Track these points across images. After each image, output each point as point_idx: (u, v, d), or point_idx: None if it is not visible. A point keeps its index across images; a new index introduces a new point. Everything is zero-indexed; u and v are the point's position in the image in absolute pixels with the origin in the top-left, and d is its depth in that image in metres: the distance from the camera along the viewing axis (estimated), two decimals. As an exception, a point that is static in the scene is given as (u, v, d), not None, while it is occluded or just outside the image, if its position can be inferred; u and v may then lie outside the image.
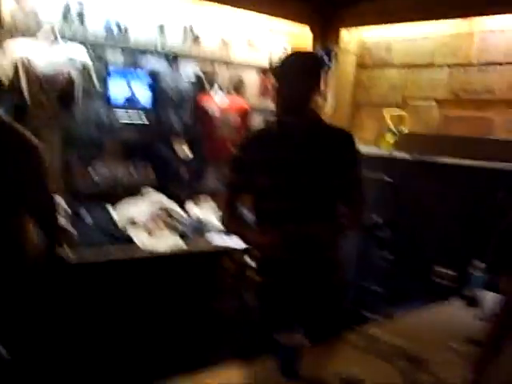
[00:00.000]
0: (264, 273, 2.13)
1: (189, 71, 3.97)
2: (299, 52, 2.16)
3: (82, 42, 3.42)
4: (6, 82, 3.14)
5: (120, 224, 3.48)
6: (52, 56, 3.26)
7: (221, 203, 2.23)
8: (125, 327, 3.12)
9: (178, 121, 3.94)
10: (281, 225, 1.96)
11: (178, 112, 3.93)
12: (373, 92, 4.45)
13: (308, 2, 4.21)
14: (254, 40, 4.30)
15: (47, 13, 3.32)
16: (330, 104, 4.34)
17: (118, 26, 3.59)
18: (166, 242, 3.40)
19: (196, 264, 3.40)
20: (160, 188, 3.81)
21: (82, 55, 3.38)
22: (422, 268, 3.07)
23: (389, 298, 3.55)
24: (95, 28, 3.52)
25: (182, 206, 3.82)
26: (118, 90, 3.61)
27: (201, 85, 4.02)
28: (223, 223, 2.21)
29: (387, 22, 4.04)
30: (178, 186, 3.98)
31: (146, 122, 3.78)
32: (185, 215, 3.71)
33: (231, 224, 2.18)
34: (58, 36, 3.28)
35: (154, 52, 3.78)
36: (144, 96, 3.73)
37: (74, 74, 3.33)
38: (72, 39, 3.38)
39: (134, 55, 3.71)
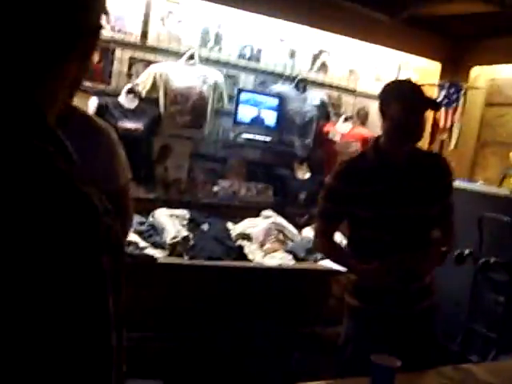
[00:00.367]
0: (361, 297, 2.08)
1: (315, 96, 4.08)
2: (417, 84, 2.18)
3: (216, 62, 3.69)
4: (144, 93, 3.45)
5: (235, 237, 3.62)
6: (188, 73, 3.55)
7: (315, 231, 2.25)
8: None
9: (301, 144, 4.05)
10: (380, 252, 1.93)
11: (300, 135, 4.04)
12: (500, 131, 4.30)
13: (440, 37, 4.20)
14: (381, 73, 4.33)
15: (187, 35, 3.61)
16: (455, 140, 4.26)
17: (251, 50, 3.82)
18: (276, 257, 3.49)
19: (302, 282, 3.45)
20: (277, 208, 3.92)
21: (215, 74, 3.64)
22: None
23: (501, 343, 3.37)
24: (229, 50, 3.77)
25: (297, 227, 3.89)
26: (245, 109, 3.81)
27: (325, 110, 4.11)
28: (318, 249, 2.26)
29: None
30: (296, 207, 4.06)
31: (269, 142, 3.94)
32: (298, 235, 3.78)
33: (328, 250, 2.21)
34: (197, 57, 3.56)
35: (283, 75, 3.96)
36: (269, 117, 3.90)
37: (206, 91, 3.58)
38: (207, 59, 3.65)
39: (263, 77, 3.91)
